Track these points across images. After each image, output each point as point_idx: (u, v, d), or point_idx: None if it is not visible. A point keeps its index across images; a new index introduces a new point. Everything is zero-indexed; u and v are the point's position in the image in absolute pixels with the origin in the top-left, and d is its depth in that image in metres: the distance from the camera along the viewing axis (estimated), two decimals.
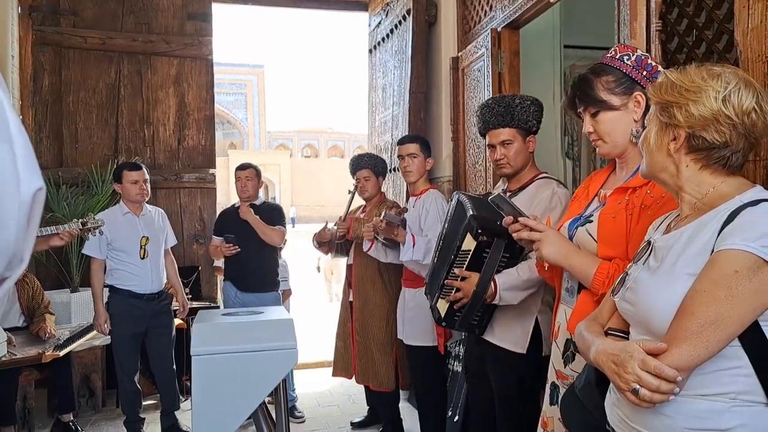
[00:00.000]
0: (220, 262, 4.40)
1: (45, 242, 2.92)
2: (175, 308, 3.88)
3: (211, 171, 5.12)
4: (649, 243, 1.23)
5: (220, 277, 4.84)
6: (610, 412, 1.22)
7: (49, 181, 4.40)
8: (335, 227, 3.58)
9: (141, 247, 3.53)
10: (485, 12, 3.49)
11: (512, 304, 2.09)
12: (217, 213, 4.59)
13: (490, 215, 1.96)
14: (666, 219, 1.26)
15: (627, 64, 1.56)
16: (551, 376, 1.74)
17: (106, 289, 3.56)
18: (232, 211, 3.99)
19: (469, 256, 2.06)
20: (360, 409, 4.02)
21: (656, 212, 1.38)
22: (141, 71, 4.91)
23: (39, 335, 3.63)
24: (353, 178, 3.60)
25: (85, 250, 3.53)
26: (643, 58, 1.57)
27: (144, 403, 3.83)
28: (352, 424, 3.85)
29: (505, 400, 2.22)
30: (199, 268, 4.91)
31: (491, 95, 3.23)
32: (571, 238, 1.62)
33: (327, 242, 3.63)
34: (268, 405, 2.81)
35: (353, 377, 3.62)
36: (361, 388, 3.83)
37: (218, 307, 4.50)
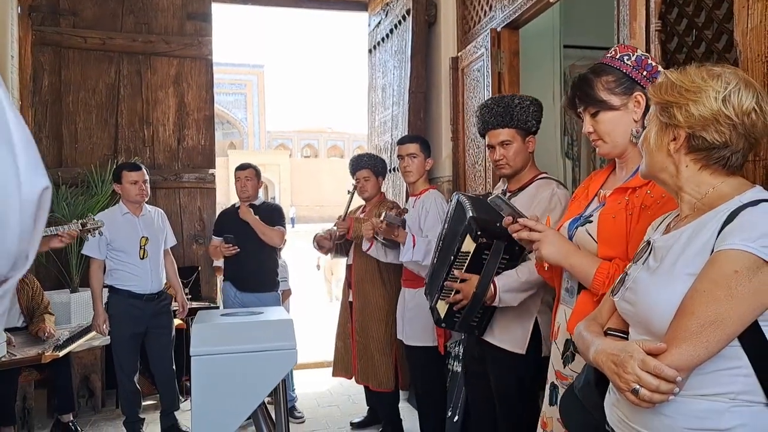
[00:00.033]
0: (219, 262, 4.39)
1: (45, 244, 2.91)
2: (174, 308, 3.88)
3: (211, 171, 5.11)
4: (648, 243, 1.23)
5: (219, 278, 4.85)
6: (610, 412, 1.22)
7: (49, 179, 4.38)
8: (335, 227, 3.58)
9: (140, 248, 3.52)
10: (485, 12, 3.49)
11: (512, 305, 2.08)
12: (217, 213, 4.59)
13: (489, 217, 1.96)
14: (665, 219, 1.26)
15: (627, 64, 1.56)
16: (551, 377, 1.74)
17: (106, 290, 3.56)
18: (231, 211, 3.99)
19: (469, 258, 2.06)
20: (360, 410, 4.02)
21: (656, 212, 1.38)
22: (141, 71, 4.91)
23: (38, 335, 3.63)
24: (353, 178, 3.60)
25: (85, 251, 3.53)
26: (643, 58, 1.57)
27: (144, 403, 3.82)
28: (351, 424, 3.85)
29: (505, 400, 2.22)
30: (199, 268, 4.91)
31: (491, 95, 3.23)
32: (570, 238, 1.62)
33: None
34: (267, 405, 2.81)
35: (353, 377, 3.61)
36: (360, 388, 3.83)
37: (218, 308, 4.50)
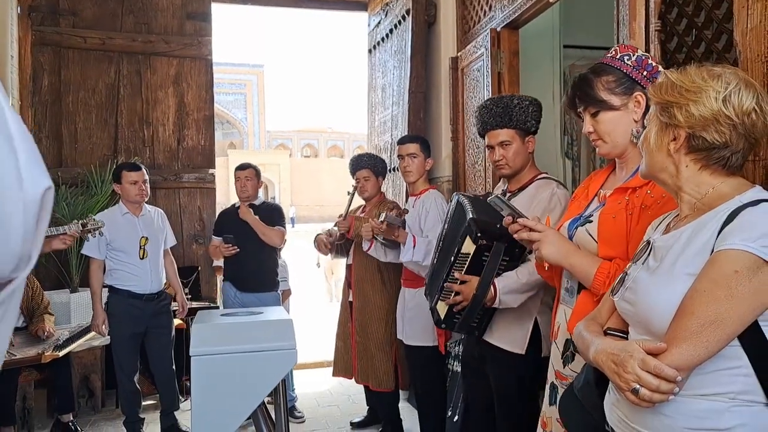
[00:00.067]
0: (219, 262, 4.39)
1: (47, 245, 2.91)
2: (174, 308, 3.88)
3: (211, 171, 5.11)
4: (648, 243, 1.23)
5: (219, 277, 4.85)
6: (610, 412, 1.22)
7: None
8: (335, 227, 3.58)
9: (140, 248, 3.52)
10: (485, 12, 3.49)
11: (512, 307, 2.09)
12: (217, 213, 4.60)
13: (489, 218, 1.96)
14: (665, 219, 1.27)
15: (627, 64, 1.56)
16: (550, 377, 1.74)
17: (106, 290, 3.56)
18: (231, 211, 3.99)
19: (469, 260, 2.05)
20: (360, 409, 4.02)
21: (656, 212, 1.38)
22: (140, 71, 4.91)
23: (38, 335, 3.63)
24: (353, 177, 3.60)
25: (85, 251, 3.53)
26: (643, 58, 1.57)
27: (143, 403, 3.82)
28: (351, 424, 3.85)
29: (505, 399, 2.22)
30: (199, 268, 4.91)
31: (491, 95, 3.23)
32: (570, 238, 1.62)
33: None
34: (267, 405, 2.81)
35: (353, 377, 3.62)
36: (360, 388, 3.83)
37: (218, 308, 4.50)
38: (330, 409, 4.21)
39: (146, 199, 3.63)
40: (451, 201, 2.40)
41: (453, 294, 2.12)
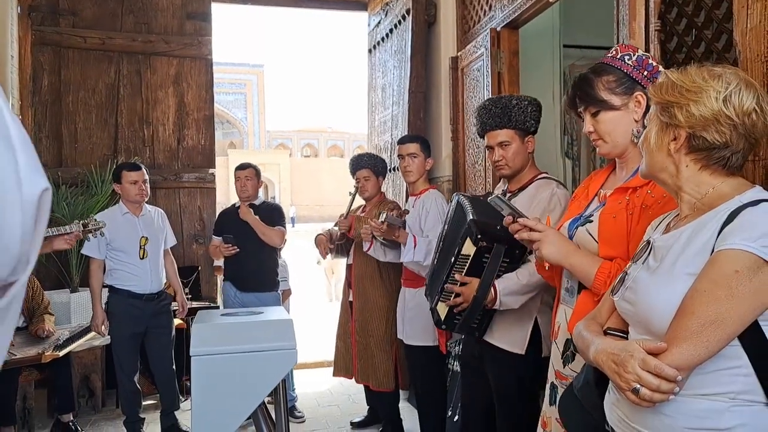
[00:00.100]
0: (220, 262, 4.40)
1: (48, 245, 2.91)
2: (174, 308, 3.88)
3: (211, 171, 5.12)
4: (648, 243, 1.23)
5: (219, 277, 4.85)
6: (610, 411, 1.22)
7: (49, 181, 4.38)
8: (336, 227, 3.58)
9: (140, 248, 3.52)
10: (484, 12, 3.49)
11: (513, 308, 2.09)
12: (217, 213, 4.60)
13: (489, 219, 1.96)
14: (665, 219, 1.27)
15: (628, 64, 1.56)
16: (550, 377, 1.74)
17: (106, 289, 3.56)
18: (231, 211, 3.99)
19: (469, 261, 2.05)
20: (360, 409, 4.02)
21: (657, 212, 1.38)
22: (140, 71, 4.91)
23: (38, 334, 3.64)
24: (353, 177, 3.60)
25: (84, 251, 3.53)
26: (644, 58, 1.57)
27: (144, 403, 3.82)
28: (351, 424, 3.85)
29: (504, 399, 2.22)
30: (199, 268, 4.91)
31: (491, 95, 3.23)
32: (570, 238, 1.62)
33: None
34: (267, 405, 2.81)
35: (353, 377, 3.62)
36: (361, 387, 3.83)
37: (218, 307, 4.50)
38: (330, 409, 4.22)
39: (146, 199, 3.63)
40: (451, 201, 2.40)
41: (453, 295, 2.12)
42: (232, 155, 33.18)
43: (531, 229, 1.58)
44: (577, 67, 4.10)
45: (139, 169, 3.58)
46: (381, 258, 3.26)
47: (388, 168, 4.02)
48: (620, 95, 1.55)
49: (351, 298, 3.58)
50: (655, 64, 1.57)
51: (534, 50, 3.93)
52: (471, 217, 2.01)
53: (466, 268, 2.07)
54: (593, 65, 1.63)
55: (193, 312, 3.97)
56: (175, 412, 3.71)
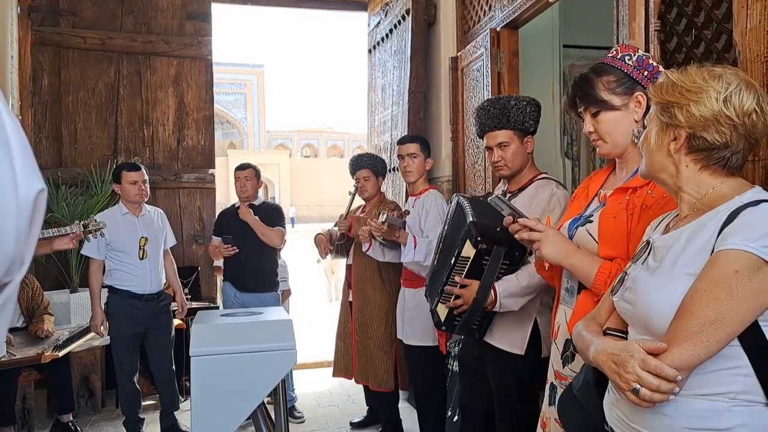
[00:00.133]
0: (219, 262, 4.40)
1: (48, 245, 2.91)
2: (174, 309, 3.88)
3: (211, 171, 5.12)
4: (647, 243, 1.23)
5: (219, 278, 4.85)
6: (609, 412, 1.22)
7: (48, 181, 4.40)
8: (335, 227, 3.58)
9: (140, 248, 3.52)
10: (484, 12, 3.49)
11: (513, 310, 2.09)
12: (217, 213, 4.60)
13: (489, 220, 1.96)
14: (665, 219, 1.27)
15: (628, 64, 1.56)
16: (550, 377, 1.74)
17: (105, 290, 3.56)
18: (231, 212, 3.99)
19: (469, 263, 2.05)
20: (359, 409, 4.02)
21: (657, 212, 1.38)
22: (140, 71, 4.91)
23: (37, 335, 3.64)
24: (353, 178, 3.60)
25: (84, 251, 3.53)
26: (644, 58, 1.57)
27: (143, 403, 3.82)
28: (351, 424, 3.85)
29: (504, 400, 2.22)
30: (199, 268, 4.91)
31: (490, 95, 3.23)
32: (570, 238, 1.62)
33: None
34: (267, 405, 2.81)
35: (353, 377, 3.62)
36: (360, 388, 3.83)
37: (217, 308, 4.50)
38: (330, 409, 4.21)
39: (146, 200, 3.63)
40: (450, 202, 2.39)
41: (453, 297, 2.12)
42: (231, 155, 33.19)
43: (531, 229, 1.58)
44: (577, 67, 4.10)
45: (139, 169, 3.58)
46: (380, 258, 3.26)
47: (388, 168, 4.02)
48: (620, 95, 1.55)
49: (351, 298, 3.58)
50: (655, 64, 1.57)
51: (534, 50, 3.93)
52: (470, 219, 2.01)
53: (465, 270, 2.07)
54: (594, 65, 1.63)
55: (192, 312, 3.97)
56: (175, 413, 3.71)
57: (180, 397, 3.87)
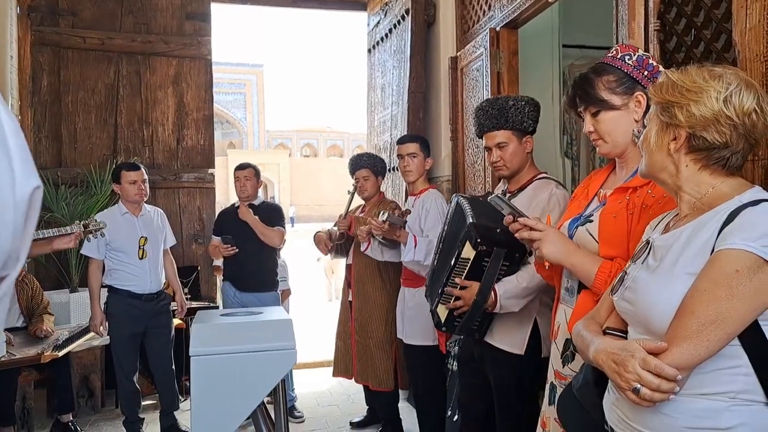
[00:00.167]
0: (219, 262, 4.40)
1: (48, 245, 2.91)
2: (173, 308, 3.88)
3: (210, 171, 5.12)
4: (647, 242, 1.23)
5: (219, 277, 4.85)
6: (609, 411, 1.22)
7: (48, 181, 4.40)
8: (335, 227, 3.58)
9: (139, 248, 3.52)
10: (484, 12, 3.49)
11: (513, 311, 2.09)
12: (216, 213, 4.60)
13: (489, 221, 1.96)
14: (664, 218, 1.27)
15: (628, 64, 1.56)
16: (550, 377, 1.74)
17: (105, 290, 3.56)
18: (231, 211, 3.99)
19: (469, 265, 2.05)
20: (359, 409, 4.02)
21: (657, 212, 1.38)
22: (140, 71, 4.91)
23: (36, 334, 3.64)
24: (352, 177, 3.60)
25: (84, 251, 3.53)
26: (644, 58, 1.57)
27: (143, 403, 3.83)
28: (351, 423, 3.85)
29: (504, 400, 2.22)
30: (198, 268, 4.91)
31: (490, 95, 3.23)
32: (570, 238, 1.62)
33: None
34: (267, 405, 2.81)
35: (353, 377, 3.62)
36: (360, 387, 3.83)
37: (217, 307, 4.50)
38: (330, 408, 4.22)
39: (145, 199, 3.63)
40: (450, 202, 2.39)
41: (453, 299, 2.11)
42: (231, 155, 33.17)
43: (531, 229, 1.57)
44: (577, 67, 4.10)
45: (138, 169, 3.58)
46: (378, 257, 3.26)
47: (388, 168, 4.02)
48: (621, 95, 1.55)
49: (351, 298, 3.58)
50: (655, 64, 1.57)
51: (533, 50, 3.93)
52: (470, 221, 2.01)
53: (466, 271, 2.07)
54: (594, 65, 1.63)
55: (192, 312, 3.97)
56: (175, 412, 3.71)
57: (180, 397, 3.87)
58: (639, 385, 1.01)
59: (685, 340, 1.01)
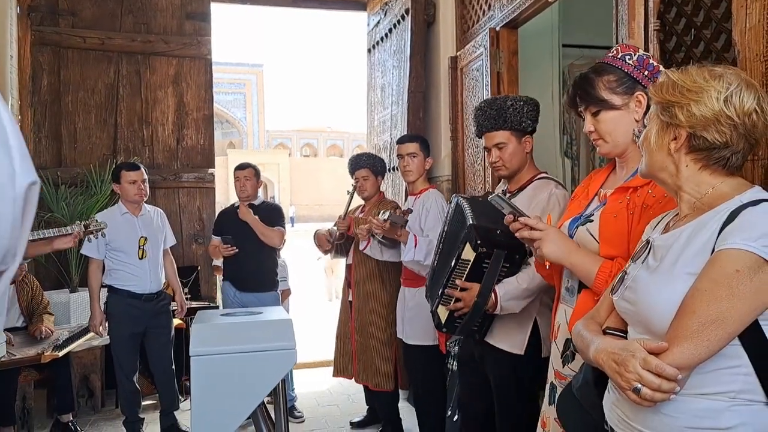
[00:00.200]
0: (219, 262, 4.39)
1: (48, 245, 2.91)
2: (173, 308, 3.88)
3: (210, 170, 5.12)
4: (647, 242, 1.23)
5: (219, 277, 4.84)
6: (609, 411, 1.22)
7: (48, 181, 4.40)
8: (335, 227, 3.58)
9: (139, 248, 3.52)
10: (483, 11, 3.49)
11: (513, 312, 2.09)
12: (216, 213, 4.60)
13: (489, 222, 1.96)
14: (664, 218, 1.27)
15: (629, 64, 1.56)
16: (550, 376, 1.74)
17: (105, 289, 3.56)
18: (231, 211, 3.99)
19: (469, 266, 2.05)
20: (359, 409, 4.02)
21: (658, 212, 1.38)
22: (140, 71, 4.91)
23: (35, 335, 3.64)
24: (352, 177, 3.60)
25: (84, 251, 3.53)
26: (644, 57, 1.57)
27: (143, 403, 3.82)
28: (351, 423, 3.85)
29: (504, 400, 2.22)
30: (198, 268, 4.91)
31: (490, 94, 3.23)
32: (570, 237, 1.62)
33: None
34: (267, 405, 2.81)
35: (353, 377, 3.62)
36: (360, 387, 3.83)
37: (217, 307, 4.50)
38: (330, 408, 4.22)
39: (145, 199, 3.63)
40: (450, 202, 2.39)
41: (454, 300, 2.11)
42: (231, 155, 33.15)
43: (532, 228, 1.57)
44: (576, 67, 4.10)
45: (138, 168, 3.58)
46: (378, 257, 3.26)
47: (388, 168, 4.02)
48: (621, 95, 1.55)
49: (351, 298, 3.58)
50: (655, 64, 1.57)
51: (533, 50, 3.93)
52: (470, 222, 2.01)
53: (466, 272, 2.07)
54: (594, 65, 1.63)
55: (192, 312, 3.97)
56: (175, 412, 3.71)
57: (180, 397, 3.87)
58: (640, 385, 1.01)
59: (685, 339, 1.01)
